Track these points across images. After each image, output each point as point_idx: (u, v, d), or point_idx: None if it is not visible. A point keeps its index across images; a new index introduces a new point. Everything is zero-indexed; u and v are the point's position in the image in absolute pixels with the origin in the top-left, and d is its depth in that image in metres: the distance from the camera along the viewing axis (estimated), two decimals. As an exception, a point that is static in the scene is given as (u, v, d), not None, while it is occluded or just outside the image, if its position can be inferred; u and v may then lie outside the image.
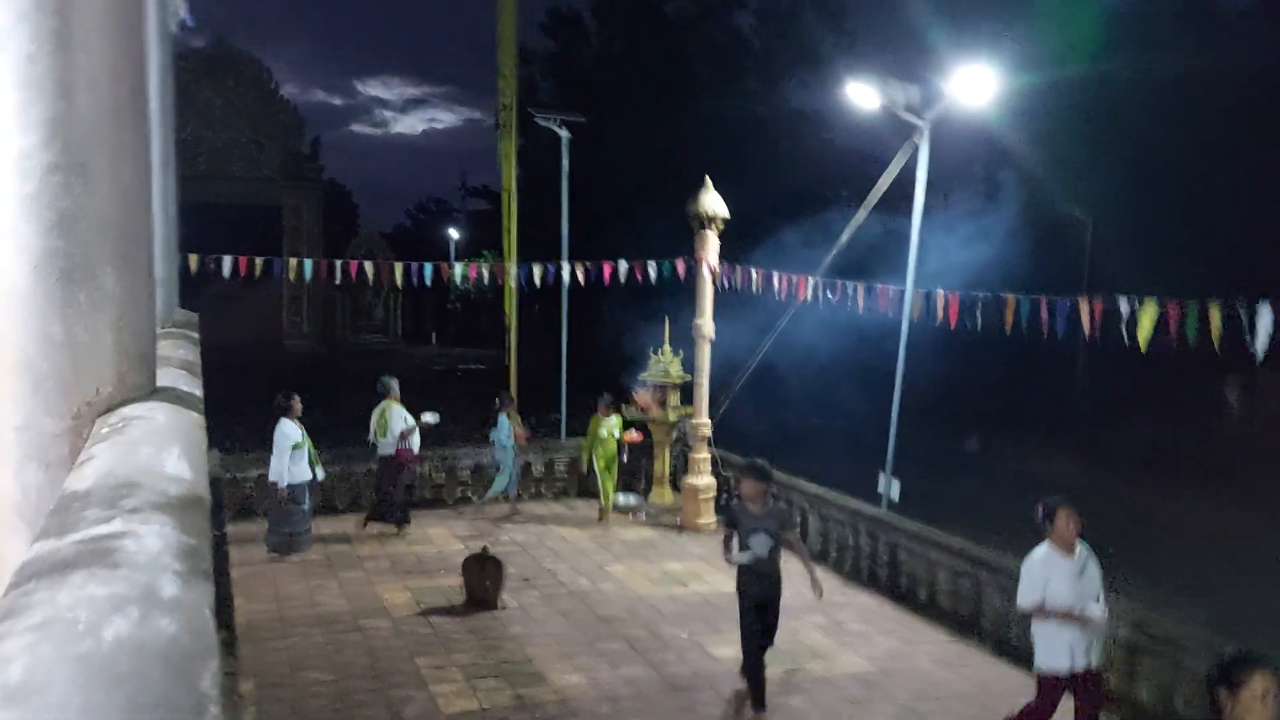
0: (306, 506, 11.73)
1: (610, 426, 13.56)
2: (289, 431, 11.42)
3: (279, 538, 11.59)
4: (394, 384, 12.89)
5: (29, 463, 2.23)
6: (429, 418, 13.13)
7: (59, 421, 2.23)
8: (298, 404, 11.64)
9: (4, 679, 0.95)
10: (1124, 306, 9.45)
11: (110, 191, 2.24)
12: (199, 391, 3.19)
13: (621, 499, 14.10)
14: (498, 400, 14.29)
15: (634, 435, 13.82)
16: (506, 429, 13.80)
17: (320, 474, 12.00)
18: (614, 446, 13.63)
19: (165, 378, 2.77)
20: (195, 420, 2.48)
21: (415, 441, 12.77)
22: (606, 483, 13.59)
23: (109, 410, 2.28)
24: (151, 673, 0.99)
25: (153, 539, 1.35)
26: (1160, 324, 9.46)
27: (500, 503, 14.06)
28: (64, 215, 2.16)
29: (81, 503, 1.57)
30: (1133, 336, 9.62)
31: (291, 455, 11.36)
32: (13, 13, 2.09)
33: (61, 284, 2.18)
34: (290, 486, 11.39)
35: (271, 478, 11.43)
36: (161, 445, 1.96)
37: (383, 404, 12.77)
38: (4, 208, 2.15)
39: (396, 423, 12.57)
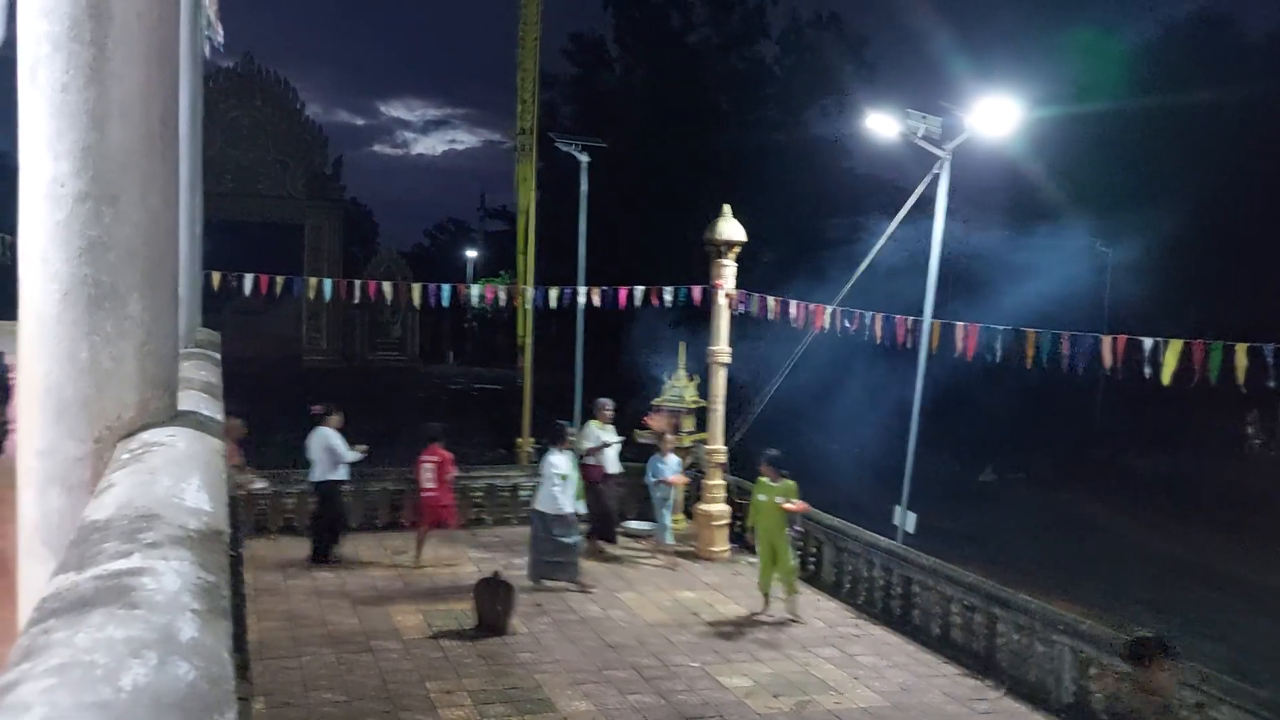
0: (573, 540, 11.44)
1: (773, 492, 10.96)
2: (556, 462, 11.30)
3: (550, 563, 11.39)
4: (604, 404, 13.13)
5: (51, 486, 2.24)
6: (609, 439, 13.07)
7: (81, 446, 2.24)
8: (570, 437, 11.72)
9: (23, 726, 0.95)
10: (1147, 343, 9.40)
11: (139, 218, 2.25)
12: (219, 416, 3.19)
13: (633, 525, 14.00)
14: (661, 439, 13.36)
15: (798, 505, 11.11)
16: (672, 466, 13.04)
17: (581, 507, 11.87)
18: (777, 517, 10.97)
19: (186, 401, 2.78)
20: (215, 447, 2.48)
21: (605, 459, 12.77)
22: (765, 563, 11.11)
23: (130, 435, 2.28)
24: (169, 723, 0.99)
25: (171, 576, 1.35)
26: (1183, 360, 9.43)
27: (659, 536, 13.18)
28: (93, 243, 2.17)
29: (101, 534, 1.57)
30: (1155, 371, 9.58)
31: (555, 488, 11.24)
32: (48, 43, 2.11)
33: (89, 310, 2.19)
34: (559, 515, 11.23)
35: (539, 505, 11.32)
36: (182, 475, 1.96)
37: (587, 423, 13.28)
38: (35, 235, 2.17)
39: (586, 441, 12.83)
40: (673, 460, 13.01)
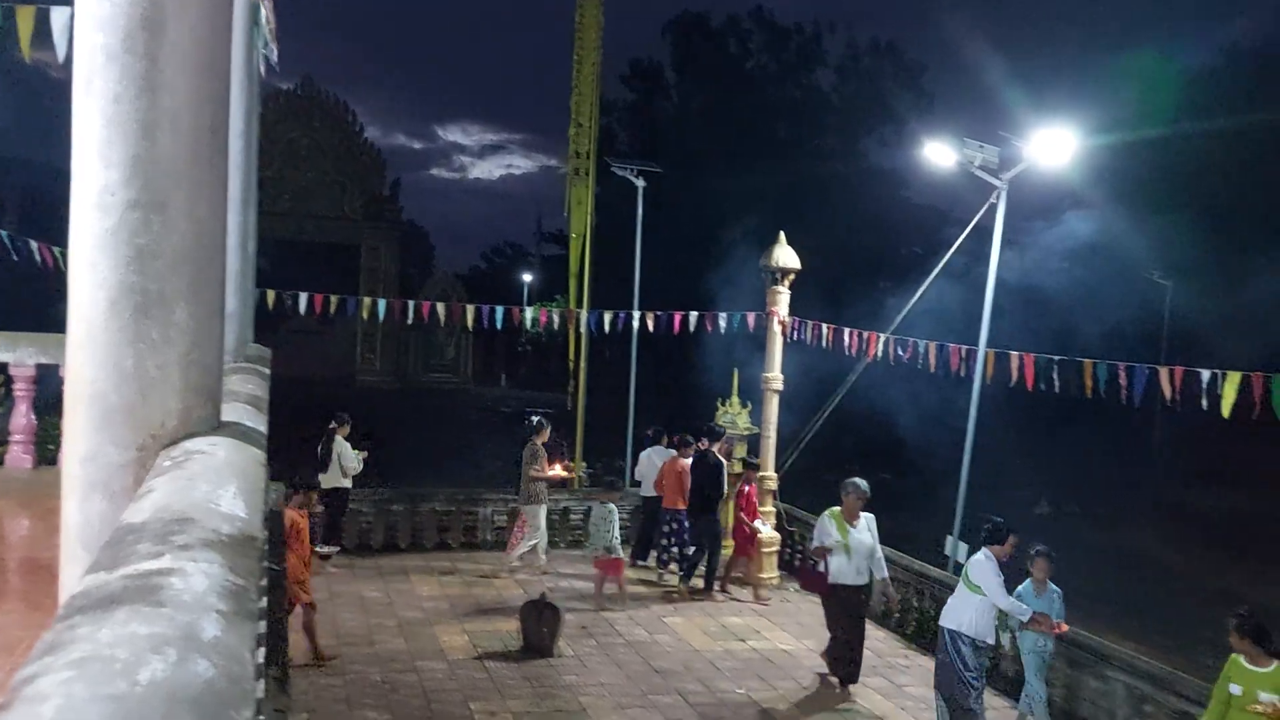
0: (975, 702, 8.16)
1: (1259, 684, 6.70)
2: (982, 570, 8.15)
3: (964, 693, 8.13)
4: (854, 486, 9.82)
5: (94, 492, 2.26)
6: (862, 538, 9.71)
7: (124, 453, 2.27)
8: (1009, 543, 8.31)
9: (36, 717, 0.94)
10: (1204, 375, 9.19)
11: (187, 228, 2.28)
12: (263, 427, 3.22)
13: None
14: (1033, 563, 8.85)
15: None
16: (1048, 601, 8.62)
17: (1005, 641, 8.76)
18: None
19: (231, 413, 2.81)
20: (256, 457, 2.50)
21: (837, 566, 9.57)
22: None
23: (173, 443, 2.30)
24: (182, 718, 0.98)
25: (199, 578, 1.35)
26: (1242, 392, 9.20)
27: None
28: (141, 251, 2.20)
29: (135, 536, 1.58)
30: (1213, 404, 9.35)
31: (973, 600, 8.16)
32: (102, 54, 2.16)
33: (135, 318, 2.22)
34: (971, 640, 8.16)
35: (944, 619, 8.38)
36: (219, 482, 1.97)
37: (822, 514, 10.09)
38: (83, 242, 2.20)
39: (821, 537, 9.79)
40: (1054, 594, 8.70)
